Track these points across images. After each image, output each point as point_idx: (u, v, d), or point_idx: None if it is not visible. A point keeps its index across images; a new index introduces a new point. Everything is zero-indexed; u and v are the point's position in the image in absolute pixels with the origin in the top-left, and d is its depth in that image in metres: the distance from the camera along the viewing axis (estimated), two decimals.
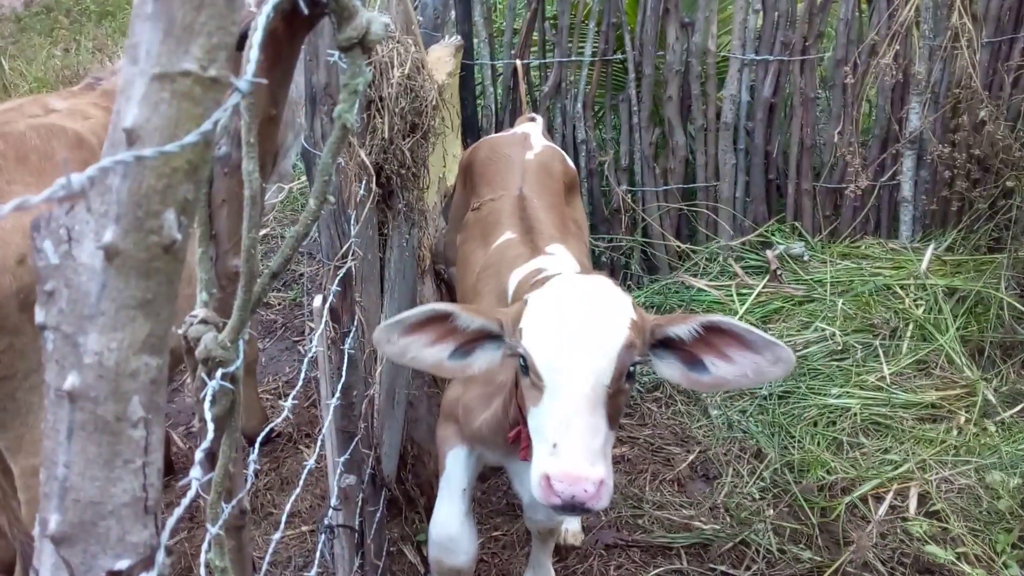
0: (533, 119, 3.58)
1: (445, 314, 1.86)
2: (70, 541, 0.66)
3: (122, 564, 0.67)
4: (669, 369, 1.90)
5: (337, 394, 1.79)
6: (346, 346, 1.86)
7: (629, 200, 4.47)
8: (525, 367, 1.81)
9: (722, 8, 4.40)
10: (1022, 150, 3.83)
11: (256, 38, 0.75)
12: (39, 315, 0.67)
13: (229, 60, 0.64)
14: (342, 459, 1.90)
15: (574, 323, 1.77)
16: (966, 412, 3.54)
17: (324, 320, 1.75)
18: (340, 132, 1.13)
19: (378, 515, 2.26)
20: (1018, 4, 3.92)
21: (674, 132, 4.38)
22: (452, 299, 3.52)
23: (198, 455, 0.83)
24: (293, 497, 1.61)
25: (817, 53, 4.23)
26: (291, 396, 1.52)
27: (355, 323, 1.94)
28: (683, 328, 1.84)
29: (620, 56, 4.34)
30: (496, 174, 2.97)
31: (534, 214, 2.66)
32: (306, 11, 0.93)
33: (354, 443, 1.93)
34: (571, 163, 3.42)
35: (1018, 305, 3.77)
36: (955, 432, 3.46)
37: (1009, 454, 3.30)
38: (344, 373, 1.87)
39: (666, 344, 1.89)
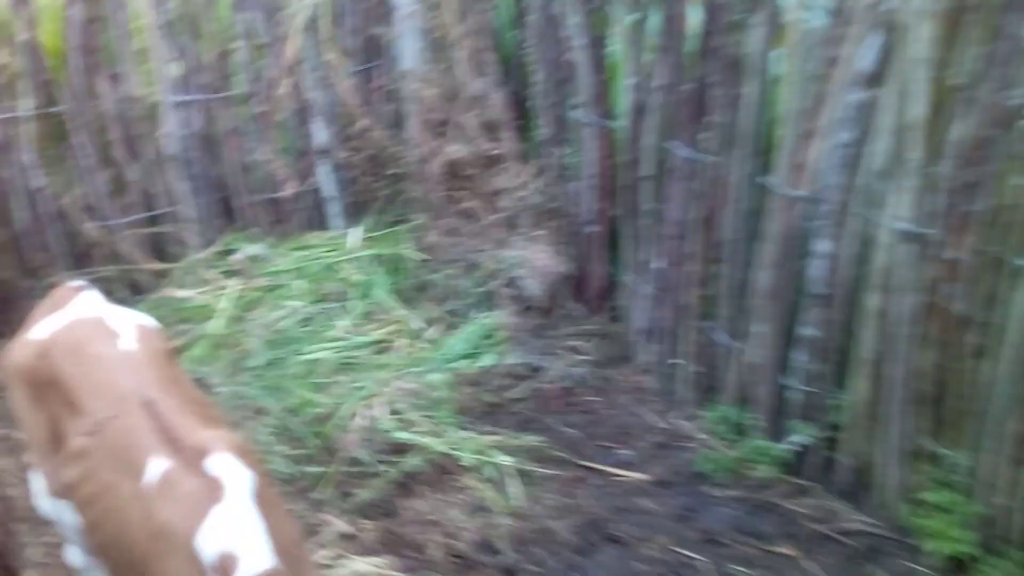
0: (80, 288, 2.84)
1: None
2: None
3: None
4: None
5: None
6: None
7: (102, 234, 4.93)
8: None
9: (145, 60, 5.05)
10: (397, 147, 5.28)
11: None
12: None
13: None
14: None
15: None
16: (405, 338, 4.82)
17: None
18: None
19: None
20: (366, 43, 5.35)
21: (127, 170, 4.97)
22: None
23: None
24: None
25: (232, 90, 5.17)
26: None
27: None
28: None
29: (60, 107, 4.76)
30: (97, 383, 2.38)
31: (174, 423, 2.21)
32: None
33: None
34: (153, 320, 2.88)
35: (420, 256, 5.19)
36: (401, 354, 4.71)
37: (437, 359, 4.62)
38: None
39: None
